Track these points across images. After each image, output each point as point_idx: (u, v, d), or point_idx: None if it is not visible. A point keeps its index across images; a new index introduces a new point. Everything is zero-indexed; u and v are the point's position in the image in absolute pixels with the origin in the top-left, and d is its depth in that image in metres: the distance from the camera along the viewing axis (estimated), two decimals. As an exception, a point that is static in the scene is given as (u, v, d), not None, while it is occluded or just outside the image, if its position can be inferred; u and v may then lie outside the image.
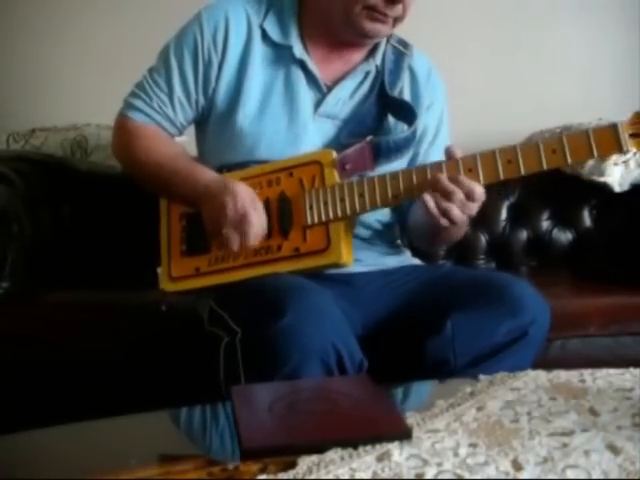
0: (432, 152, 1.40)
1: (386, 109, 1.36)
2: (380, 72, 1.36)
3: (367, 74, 1.36)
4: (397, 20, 1.30)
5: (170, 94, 1.33)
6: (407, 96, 1.39)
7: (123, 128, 1.36)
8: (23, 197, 1.85)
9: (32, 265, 1.78)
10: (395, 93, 1.36)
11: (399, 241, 1.46)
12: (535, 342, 1.19)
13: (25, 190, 1.87)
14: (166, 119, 1.34)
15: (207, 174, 1.27)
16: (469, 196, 1.15)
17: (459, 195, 1.14)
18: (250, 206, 1.20)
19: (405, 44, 1.42)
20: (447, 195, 1.15)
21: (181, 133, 1.40)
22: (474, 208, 1.17)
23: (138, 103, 1.34)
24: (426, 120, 1.41)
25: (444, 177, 1.15)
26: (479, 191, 1.15)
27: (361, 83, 1.36)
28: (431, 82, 1.43)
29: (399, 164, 1.32)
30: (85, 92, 2.26)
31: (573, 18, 2.32)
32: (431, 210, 1.16)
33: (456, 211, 1.15)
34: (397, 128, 1.37)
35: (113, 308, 1.61)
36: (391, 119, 1.37)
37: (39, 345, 1.55)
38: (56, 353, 1.53)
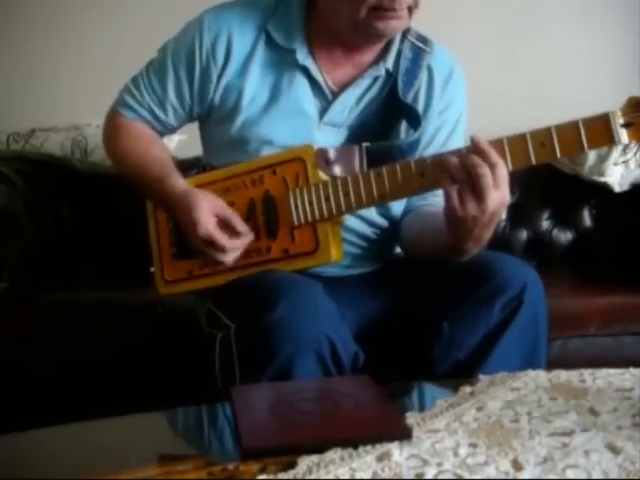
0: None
1: (398, 113, 1.28)
2: (392, 75, 1.28)
3: (376, 79, 1.28)
4: (412, 8, 1.19)
5: (163, 97, 1.31)
6: (422, 98, 1.30)
7: (111, 123, 1.36)
8: (23, 197, 1.85)
9: (32, 265, 1.78)
10: (410, 96, 1.28)
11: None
12: (534, 309, 1.14)
13: (25, 190, 1.87)
14: (156, 119, 1.33)
15: (176, 190, 1.23)
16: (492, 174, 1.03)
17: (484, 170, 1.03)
18: (214, 230, 1.17)
19: (425, 40, 1.31)
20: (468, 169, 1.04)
21: (172, 133, 1.39)
22: (496, 197, 1.04)
23: (130, 100, 1.33)
24: (439, 123, 1.32)
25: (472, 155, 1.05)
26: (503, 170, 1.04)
27: (369, 88, 1.28)
28: (451, 84, 1.33)
29: None
30: (85, 92, 2.25)
31: (574, 18, 2.32)
32: (446, 190, 1.06)
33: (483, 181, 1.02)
34: (408, 133, 1.29)
35: (112, 308, 1.61)
36: (401, 123, 1.29)
37: (38, 345, 1.54)
38: (55, 353, 1.53)
